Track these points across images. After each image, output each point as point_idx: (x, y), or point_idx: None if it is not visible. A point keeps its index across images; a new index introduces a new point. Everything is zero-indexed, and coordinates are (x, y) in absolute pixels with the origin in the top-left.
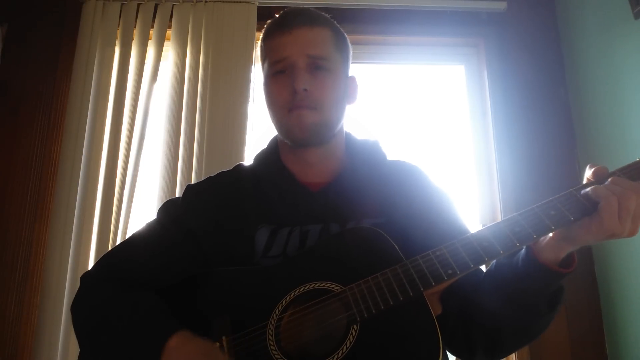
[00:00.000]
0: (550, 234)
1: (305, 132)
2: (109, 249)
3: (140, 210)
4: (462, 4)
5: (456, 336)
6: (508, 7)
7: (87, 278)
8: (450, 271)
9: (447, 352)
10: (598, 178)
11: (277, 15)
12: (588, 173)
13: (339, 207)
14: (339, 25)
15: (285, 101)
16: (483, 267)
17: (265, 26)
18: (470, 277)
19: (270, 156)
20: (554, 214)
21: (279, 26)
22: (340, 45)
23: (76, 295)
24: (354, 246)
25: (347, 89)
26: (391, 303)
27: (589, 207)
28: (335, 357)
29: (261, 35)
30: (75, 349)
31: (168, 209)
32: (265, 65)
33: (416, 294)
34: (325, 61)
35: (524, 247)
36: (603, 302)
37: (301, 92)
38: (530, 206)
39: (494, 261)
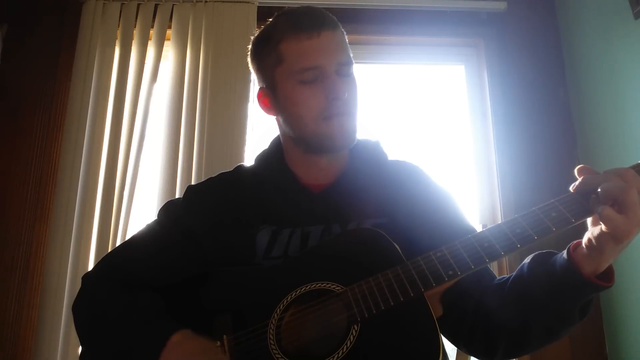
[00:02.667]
0: (584, 246)
1: (347, 139)
2: (109, 249)
3: (140, 210)
4: (462, 4)
5: (475, 338)
6: (508, 7)
7: (88, 278)
8: (451, 272)
9: (447, 353)
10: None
11: (289, 13)
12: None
13: (341, 208)
14: None
15: (321, 109)
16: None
17: (278, 25)
18: (486, 280)
19: (273, 157)
20: (555, 215)
21: (303, 28)
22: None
23: (77, 296)
24: (355, 247)
25: None
26: (392, 303)
27: (589, 209)
28: (336, 356)
29: (273, 34)
30: (75, 349)
31: (168, 209)
32: (285, 68)
33: (417, 294)
34: (350, 66)
35: (560, 254)
36: (603, 302)
37: (344, 99)
38: (531, 208)
39: (523, 266)
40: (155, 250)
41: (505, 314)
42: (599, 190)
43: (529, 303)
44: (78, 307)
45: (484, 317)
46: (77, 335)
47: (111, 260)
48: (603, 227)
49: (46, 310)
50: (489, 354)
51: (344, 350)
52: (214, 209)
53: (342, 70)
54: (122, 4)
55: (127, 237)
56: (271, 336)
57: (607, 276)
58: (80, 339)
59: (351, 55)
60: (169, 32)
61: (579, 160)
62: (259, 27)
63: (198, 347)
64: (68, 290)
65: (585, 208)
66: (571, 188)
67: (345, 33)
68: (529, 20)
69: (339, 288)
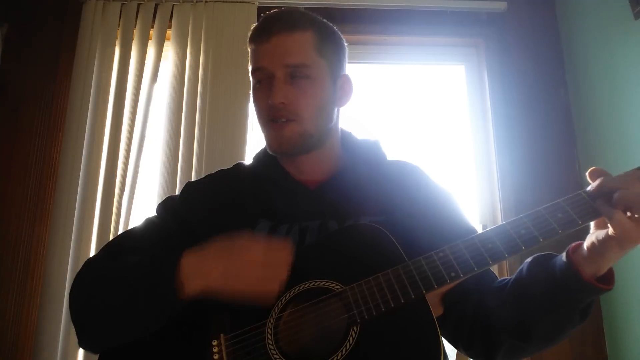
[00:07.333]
0: (586, 248)
1: (283, 145)
2: None
3: (140, 210)
4: (462, 4)
5: (474, 341)
6: (508, 7)
7: (87, 261)
8: (453, 274)
9: (447, 355)
10: (596, 177)
11: (261, 17)
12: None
13: (337, 204)
14: (329, 24)
15: (265, 113)
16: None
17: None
18: (486, 281)
19: (268, 155)
20: (562, 216)
21: (258, 33)
22: (325, 48)
23: (75, 276)
24: (355, 243)
25: (336, 91)
26: (392, 305)
27: (598, 210)
28: (335, 359)
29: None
30: (75, 349)
31: (166, 203)
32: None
33: (418, 296)
34: (305, 69)
35: (560, 256)
36: (603, 302)
37: (277, 105)
38: (536, 208)
39: (522, 268)
40: (153, 240)
41: (504, 316)
42: (615, 194)
43: (528, 305)
44: (76, 284)
45: (483, 320)
46: (72, 313)
47: (110, 248)
48: (610, 230)
49: (46, 310)
50: (488, 356)
51: (343, 352)
52: (212, 202)
53: (294, 73)
54: (122, 4)
55: None
56: (269, 336)
57: (607, 279)
58: (81, 317)
59: (315, 56)
60: (169, 32)
61: (579, 160)
62: None
63: (215, 244)
64: (68, 290)
65: (593, 210)
66: (589, 188)
67: (321, 34)
68: (529, 20)
69: (338, 287)
